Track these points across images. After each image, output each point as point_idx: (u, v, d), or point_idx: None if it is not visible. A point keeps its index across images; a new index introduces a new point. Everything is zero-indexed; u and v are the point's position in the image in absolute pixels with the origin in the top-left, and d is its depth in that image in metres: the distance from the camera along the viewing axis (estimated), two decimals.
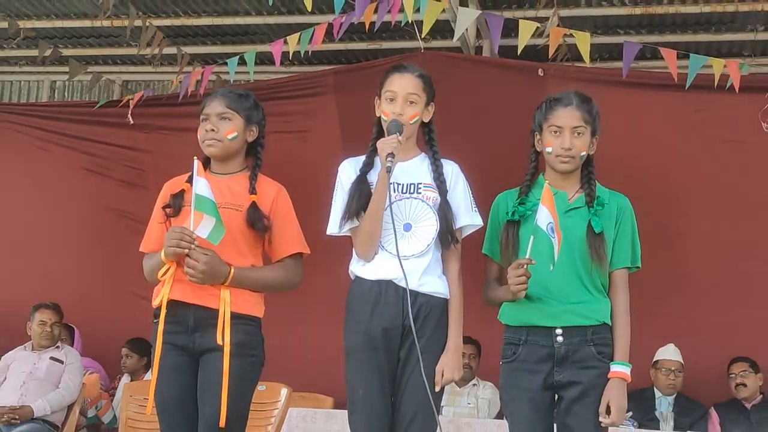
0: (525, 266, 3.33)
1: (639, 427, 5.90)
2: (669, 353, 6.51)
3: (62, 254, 8.18)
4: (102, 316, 7.82)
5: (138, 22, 7.69)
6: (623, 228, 3.52)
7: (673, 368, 6.48)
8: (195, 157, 3.59)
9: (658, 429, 6.06)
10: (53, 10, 8.00)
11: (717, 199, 7.02)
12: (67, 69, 8.50)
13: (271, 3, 5.99)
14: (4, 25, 7.78)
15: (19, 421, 6.25)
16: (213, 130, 3.67)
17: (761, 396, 6.55)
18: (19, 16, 8.04)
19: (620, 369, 3.40)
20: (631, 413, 5.94)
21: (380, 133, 3.61)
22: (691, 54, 6.35)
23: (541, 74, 6.88)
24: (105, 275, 7.85)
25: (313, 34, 6.29)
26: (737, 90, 6.24)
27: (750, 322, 6.87)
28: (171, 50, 8.12)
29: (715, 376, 6.58)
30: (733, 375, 6.57)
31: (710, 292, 6.91)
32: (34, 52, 8.51)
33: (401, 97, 3.57)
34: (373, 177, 3.58)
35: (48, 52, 8.07)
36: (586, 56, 6.25)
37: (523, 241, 3.43)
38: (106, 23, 7.84)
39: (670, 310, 6.67)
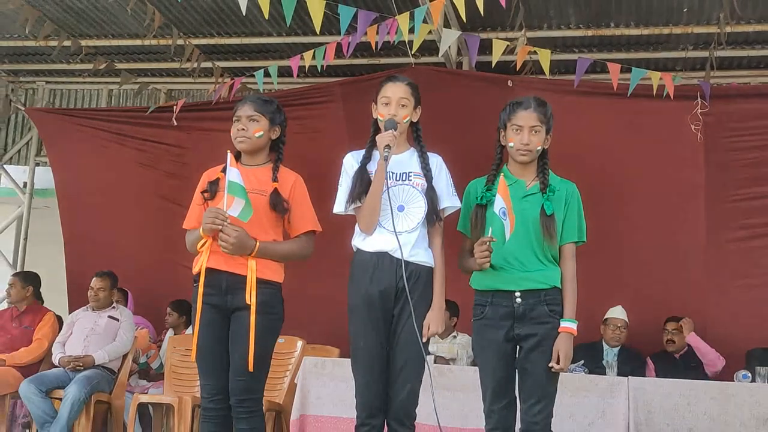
0: (488, 243, 3.37)
1: (589, 373, 5.93)
2: (617, 312, 6.54)
3: (121, 233, 8.23)
4: (151, 281, 7.87)
5: (180, 41, 7.72)
6: (571, 209, 3.55)
7: (619, 325, 6.51)
8: (228, 151, 3.63)
9: (605, 374, 6.09)
10: (110, 31, 7.98)
11: (652, 187, 7.04)
12: (118, 79, 8.53)
13: (288, 24, 5.97)
14: (68, 43, 7.78)
15: (83, 368, 6.28)
16: (244, 129, 3.70)
17: (687, 347, 6.59)
18: (82, 36, 8.02)
19: (568, 325, 3.43)
20: (582, 362, 5.98)
21: (377, 132, 3.64)
22: (633, 68, 6.38)
23: (511, 85, 6.89)
24: (154, 249, 7.91)
25: (325, 51, 6.31)
26: (672, 97, 6.27)
27: (678, 286, 6.91)
28: (207, 64, 8.16)
29: (651, 331, 6.61)
30: (666, 331, 6.61)
31: (646, 263, 6.95)
32: (93, 66, 8.54)
33: (395, 102, 3.60)
34: (371, 167, 3.61)
35: (103, 66, 8.14)
36: (546, 70, 6.27)
37: (488, 221, 3.46)
38: (153, 42, 7.84)
39: (615, 277, 6.71)
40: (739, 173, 6.98)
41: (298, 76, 6.88)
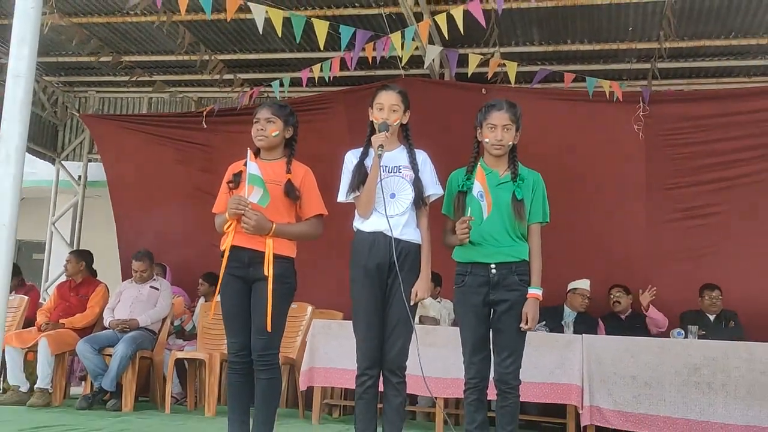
0: (467, 222, 3.37)
1: (550, 332, 5.94)
2: (584, 284, 6.54)
3: (162, 217, 8.23)
4: (186, 257, 7.85)
5: (206, 57, 7.69)
6: (537, 195, 3.53)
7: (585, 294, 6.51)
8: (248, 148, 3.61)
9: (563, 333, 6.10)
10: (149, 48, 7.95)
11: (602, 177, 7.04)
12: (157, 90, 8.52)
13: (298, 41, 5.97)
14: (108, 58, 7.84)
15: (129, 330, 6.28)
16: (262, 129, 3.68)
17: (631, 310, 6.61)
18: (125, 52, 8.00)
19: (535, 291, 3.43)
20: (545, 322, 5.98)
21: (372, 133, 3.62)
22: (587, 77, 6.38)
23: (484, 92, 6.87)
24: (189, 231, 7.89)
25: (330, 65, 6.30)
26: (621, 100, 6.28)
27: (623, 260, 6.92)
28: (229, 76, 8.13)
29: (601, 297, 6.63)
30: (612, 296, 6.62)
31: (597, 240, 6.96)
32: (140, 78, 8.53)
33: (387, 107, 3.58)
34: (368, 162, 3.59)
35: (136, 77, 8.23)
36: (512, 79, 6.28)
37: (468, 204, 3.46)
38: (184, 57, 7.81)
39: (572, 251, 6.68)
40: (674, 166, 6.99)
41: (306, 85, 6.87)
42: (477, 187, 3.42)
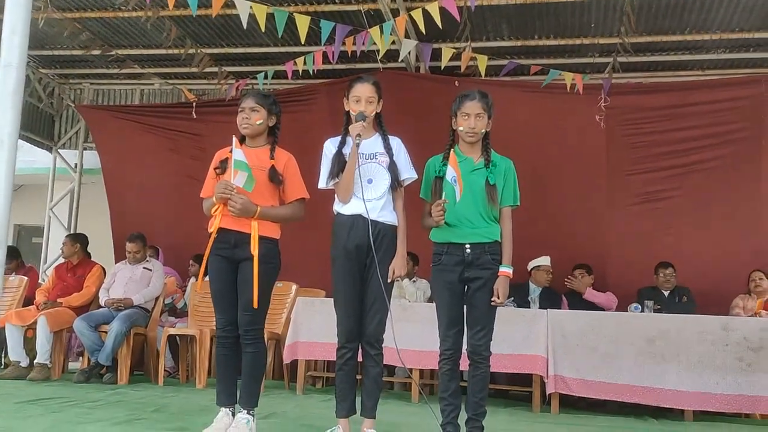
0: (442, 204, 3.36)
1: (518, 307, 5.97)
2: (546, 260, 6.55)
3: (154, 203, 8.15)
4: (177, 239, 7.76)
5: (192, 50, 7.58)
6: (508, 180, 3.51)
7: (549, 270, 6.53)
8: (233, 136, 3.56)
9: (529, 308, 6.13)
10: (141, 42, 7.83)
11: (566, 163, 7.07)
12: (150, 81, 8.41)
13: (280, 35, 5.90)
14: (98, 51, 7.75)
15: (123, 308, 6.22)
16: (247, 118, 3.62)
17: (592, 288, 6.64)
18: (117, 46, 7.89)
19: (505, 269, 3.41)
20: (512, 298, 6.01)
21: (349, 123, 3.56)
22: (551, 69, 6.38)
23: (457, 84, 6.84)
24: (180, 215, 7.77)
25: (314, 58, 6.24)
26: (581, 93, 6.27)
27: (586, 241, 6.95)
28: (214, 69, 8.05)
29: (565, 275, 6.65)
30: (573, 274, 6.65)
31: (562, 222, 6.99)
32: (128, 70, 8.41)
33: (363, 98, 3.53)
34: (346, 150, 3.54)
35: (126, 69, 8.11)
36: (483, 71, 6.26)
37: (444, 188, 3.44)
38: (171, 51, 7.69)
39: (539, 233, 6.69)
40: (633, 153, 7.02)
41: (291, 78, 6.81)
42: (450, 172, 3.41)
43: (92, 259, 6.97)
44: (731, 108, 6.78)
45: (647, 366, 5.24)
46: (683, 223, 6.88)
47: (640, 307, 5.87)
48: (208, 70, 7.97)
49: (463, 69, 6.49)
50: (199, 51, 7.65)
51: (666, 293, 6.42)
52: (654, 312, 5.79)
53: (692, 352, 5.22)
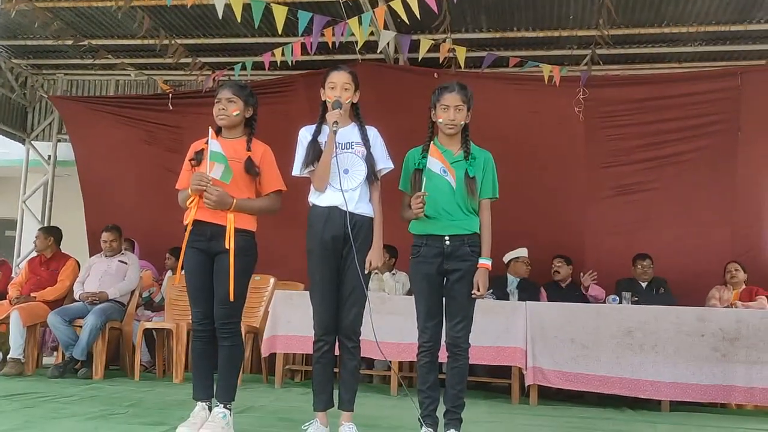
0: (422, 197, 3.34)
1: (497, 299, 5.98)
2: (524, 252, 6.57)
3: (130, 195, 8.03)
4: (153, 233, 7.65)
5: (165, 41, 7.48)
6: (487, 172, 3.49)
7: (527, 261, 6.56)
8: (210, 127, 3.51)
9: (509, 300, 6.15)
10: (115, 32, 7.72)
11: (545, 156, 7.08)
12: (125, 72, 8.28)
13: (257, 26, 5.84)
14: (71, 41, 7.60)
15: (98, 302, 6.14)
16: (224, 109, 3.58)
17: (570, 279, 6.68)
18: (92, 36, 7.77)
19: (484, 262, 3.40)
20: (491, 290, 6.02)
21: (326, 111, 3.53)
22: (529, 61, 6.37)
23: (436, 76, 6.83)
24: (156, 208, 7.65)
25: (292, 49, 6.19)
26: (557, 85, 6.28)
27: (564, 233, 6.98)
28: (187, 60, 7.94)
29: (544, 267, 6.68)
30: (553, 266, 6.68)
31: (540, 215, 7.00)
32: (103, 61, 8.29)
33: (339, 86, 3.50)
34: (322, 139, 3.51)
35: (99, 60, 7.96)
36: (461, 63, 6.24)
37: (427, 179, 3.40)
38: (145, 41, 7.59)
39: (518, 225, 6.68)
40: (610, 145, 7.06)
41: (268, 69, 6.75)
42: (437, 164, 3.37)
43: (66, 252, 6.87)
44: (707, 101, 6.84)
45: (625, 357, 5.28)
46: (660, 215, 6.93)
47: (618, 298, 5.91)
48: (183, 60, 7.87)
49: (441, 60, 6.47)
50: (173, 41, 7.55)
51: (643, 285, 6.47)
52: (632, 303, 5.82)
53: (669, 343, 5.26)
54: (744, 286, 6.26)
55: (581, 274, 6.55)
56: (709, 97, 6.82)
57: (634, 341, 5.30)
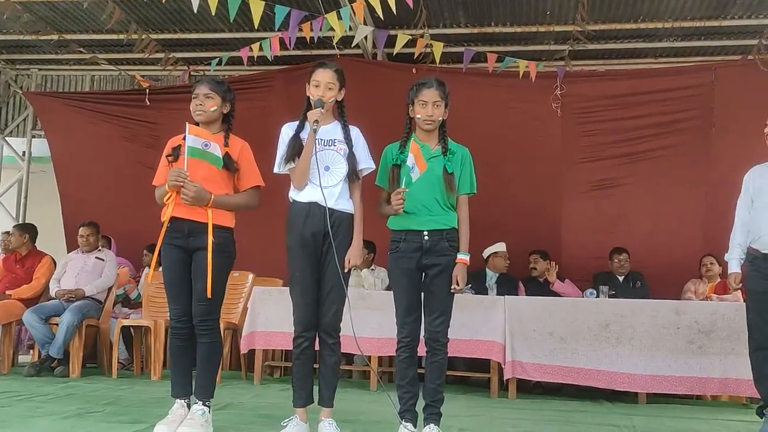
0: (401, 193, 3.34)
1: (476, 293, 5.99)
2: (502, 247, 6.59)
3: (107, 192, 7.91)
4: (130, 230, 7.55)
5: (134, 35, 7.39)
6: (465, 168, 3.51)
7: (506, 256, 6.58)
8: (186, 123, 3.49)
9: (487, 294, 6.17)
10: (90, 27, 7.63)
11: (523, 151, 7.09)
12: (101, 67, 8.17)
13: (231, 20, 5.80)
14: (54, 36, 7.49)
15: (75, 299, 6.09)
16: (201, 104, 3.55)
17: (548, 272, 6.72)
18: (67, 31, 7.67)
19: (463, 257, 3.42)
20: (470, 285, 6.03)
21: (309, 108, 3.52)
22: (506, 57, 6.39)
23: (414, 72, 6.81)
24: (133, 204, 7.53)
25: (270, 44, 6.15)
26: (533, 81, 6.30)
27: (541, 227, 7.01)
28: (160, 55, 7.86)
29: (521, 261, 6.71)
30: (531, 261, 6.71)
31: (517, 210, 7.00)
32: (77, 56, 8.18)
33: (323, 84, 3.49)
34: (303, 135, 3.50)
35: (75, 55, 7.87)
36: (437, 59, 6.24)
37: (402, 176, 3.42)
38: (114, 36, 7.50)
39: (496, 220, 6.70)
40: (587, 141, 7.09)
41: (246, 65, 6.70)
42: (410, 159, 3.39)
43: (41, 250, 6.79)
44: (682, 96, 6.89)
45: (602, 349, 5.33)
46: (636, 209, 6.99)
47: (595, 292, 5.95)
48: (158, 55, 7.80)
49: (416, 55, 6.46)
50: (145, 36, 7.47)
51: (620, 278, 6.53)
52: (609, 297, 5.87)
53: (645, 335, 5.32)
54: (719, 280, 6.33)
55: (546, 270, 6.57)
56: (684, 93, 6.88)
57: (611, 334, 5.35)
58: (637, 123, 6.97)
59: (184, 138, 3.47)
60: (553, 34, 7.29)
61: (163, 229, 3.46)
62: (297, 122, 3.57)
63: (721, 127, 6.78)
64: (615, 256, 6.59)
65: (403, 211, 3.37)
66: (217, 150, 3.49)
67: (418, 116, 3.47)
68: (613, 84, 7.10)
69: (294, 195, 3.52)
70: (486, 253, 6.57)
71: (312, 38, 5.79)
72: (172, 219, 3.46)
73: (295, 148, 3.46)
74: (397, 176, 3.45)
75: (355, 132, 3.59)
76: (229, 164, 3.54)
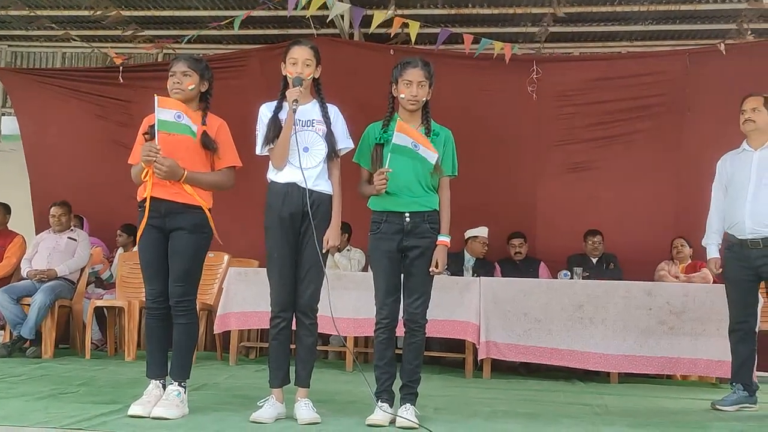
0: (384, 173, 3.31)
1: (452, 275, 6.00)
2: (484, 232, 6.60)
3: (81, 170, 7.73)
4: (103, 209, 7.44)
5: (103, 11, 7.24)
6: (447, 149, 3.49)
7: (485, 242, 6.59)
8: (155, 95, 3.40)
9: (464, 276, 6.18)
10: (63, 3, 7.45)
11: (500, 134, 7.07)
12: (73, 45, 8.00)
13: None
14: (25, 12, 7.29)
15: (47, 279, 5.98)
16: (178, 83, 3.49)
17: (526, 256, 6.75)
18: (38, 7, 7.48)
19: (443, 239, 3.41)
20: (447, 267, 6.03)
21: (286, 87, 3.47)
22: (482, 38, 6.37)
23: (392, 53, 6.76)
24: (106, 183, 7.40)
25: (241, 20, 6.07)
26: (507, 62, 6.28)
27: (517, 210, 7.03)
28: (130, 31, 7.67)
29: (498, 243, 6.74)
30: (513, 245, 6.73)
31: (494, 192, 6.99)
32: (49, 32, 7.99)
33: (301, 62, 3.44)
34: (282, 116, 3.45)
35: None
36: (413, 38, 6.20)
37: (385, 156, 3.38)
38: (86, 12, 7.33)
39: (475, 203, 6.68)
40: (562, 125, 7.09)
41: (222, 44, 6.60)
42: (402, 139, 3.31)
43: (11, 229, 6.66)
44: (656, 81, 6.91)
45: (575, 330, 5.38)
46: (609, 192, 7.02)
47: (569, 273, 6.00)
48: (130, 32, 7.64)
49: (392, 34, 6.40)
50: (115, 12, 7.31)
51: (594, 260, 6.59)
52: (582, 278, 5.92)
53: (618, 317, 5.37)
54: (689, 261, 6.42)
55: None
56: (658, 77, 6.90)
57: (584, 315, 5.40)
58: (610, 107, 6.99)
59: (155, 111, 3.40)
60: (530, 15, 7.27)
61: (147, 209, 3.40)
62: (275, 102, 3.51)
63: (693, 112, 6.83)
64: (589, 238, 6.64)
65: (385, 191, 3.35)
66: (189, 122, 3.42)
67: (402, 96, 3.44)
68: (588, 67, 7.11)
69: (272, 176, 3.48)
70: (468, 234, 6.58)
71: (287, 17, 5.70)
72: (150, 199, 3.41)
73: (275, 129, 3.41)
74: (380, 156, 3.42)
75: (333, 110, 3.55)
76: (207, 143, 3.49)
